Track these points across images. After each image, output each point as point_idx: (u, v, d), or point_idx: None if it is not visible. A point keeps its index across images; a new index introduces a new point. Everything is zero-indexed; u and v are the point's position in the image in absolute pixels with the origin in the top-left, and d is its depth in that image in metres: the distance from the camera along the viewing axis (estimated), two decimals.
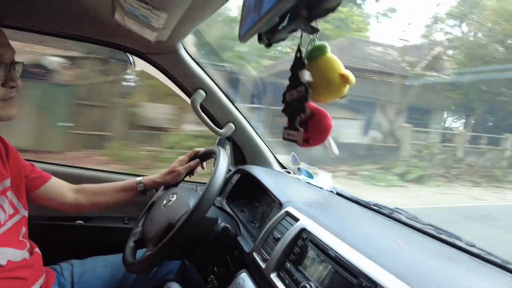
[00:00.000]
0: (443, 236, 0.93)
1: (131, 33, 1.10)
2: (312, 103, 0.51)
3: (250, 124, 1.58)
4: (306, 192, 1.29)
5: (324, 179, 1.48)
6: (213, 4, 0.86)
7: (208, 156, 1.26)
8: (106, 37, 1.28)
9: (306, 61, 0.51)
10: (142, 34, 1.10)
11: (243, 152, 1.62)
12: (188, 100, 1.44)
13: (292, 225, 0.89)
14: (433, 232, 0.96)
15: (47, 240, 1.10)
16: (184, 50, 1.34)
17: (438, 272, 0.68)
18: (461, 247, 0.87)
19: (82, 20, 1.17)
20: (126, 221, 1.52)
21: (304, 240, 0.82)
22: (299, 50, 0.51)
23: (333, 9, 0.37)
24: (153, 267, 1.16)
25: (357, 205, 1.21)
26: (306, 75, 0.48)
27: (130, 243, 1.09)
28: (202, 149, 1.29)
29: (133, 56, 1.41)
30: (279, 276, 0.83)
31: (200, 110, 1.43)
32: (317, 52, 0.50)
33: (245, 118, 1.55)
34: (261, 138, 1.61)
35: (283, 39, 0.54)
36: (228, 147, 1.67)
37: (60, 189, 1.16)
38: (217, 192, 0.94)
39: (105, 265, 1.22)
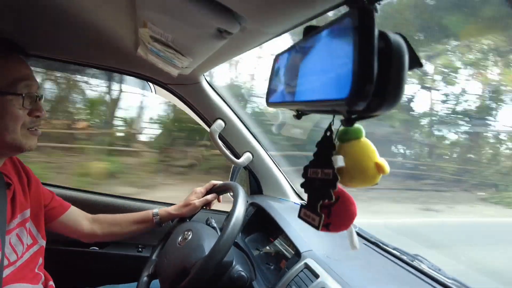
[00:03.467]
0: None
1: (153, 65, 1.10)
2: (339, 186, 0.48)
3: (268, 154, 1.55)
4: (324, 234, 1.25)
5: None
6: (236, 51, 0.85)
7: (225, 191, 1.24)
8: (129, 67, 1.29)
9: (337, 142, 0.48)
10: (164, 69, 1.10)
11: (259, 181, 1.59)
12: (208, 129, 1.43)
13: (312, 281, 0.85)
14: None
15: (60, 266, 1.10)
16: (206, 82, 1.33)
17: None
18: None
19: (105, 51, 1.17)
20: (140, 249, 1.51)
21: None
22: (329, 129, 0.48)
23: (374, 117, 0.34)
24: None
25: (376, 248, 1.17)
26: (340, 161, 0.45)
27: (144, 278, 1.08)
28: (219, 182, 1.28)
29: (154, 85, 1.41)
30: None
31: (218, 140, 1.41)
32: (351, 136, 0.47)
33: (263, 148, 1.53)
34: (278, 168, 1.59)
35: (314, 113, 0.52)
36: (243, 175, 1.65)
37: (77, 218, 1.18)
38: (234, 238, 0.91)
39: None
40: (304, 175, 0.53)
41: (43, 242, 1.03)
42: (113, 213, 1.25)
